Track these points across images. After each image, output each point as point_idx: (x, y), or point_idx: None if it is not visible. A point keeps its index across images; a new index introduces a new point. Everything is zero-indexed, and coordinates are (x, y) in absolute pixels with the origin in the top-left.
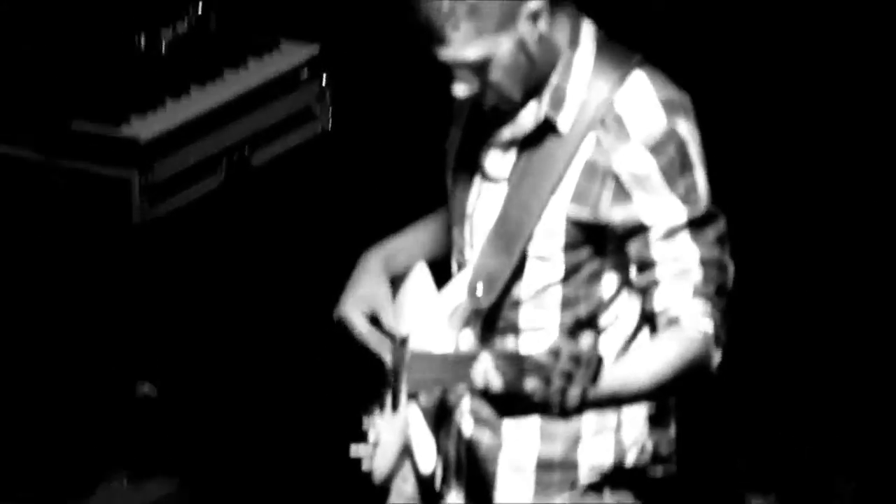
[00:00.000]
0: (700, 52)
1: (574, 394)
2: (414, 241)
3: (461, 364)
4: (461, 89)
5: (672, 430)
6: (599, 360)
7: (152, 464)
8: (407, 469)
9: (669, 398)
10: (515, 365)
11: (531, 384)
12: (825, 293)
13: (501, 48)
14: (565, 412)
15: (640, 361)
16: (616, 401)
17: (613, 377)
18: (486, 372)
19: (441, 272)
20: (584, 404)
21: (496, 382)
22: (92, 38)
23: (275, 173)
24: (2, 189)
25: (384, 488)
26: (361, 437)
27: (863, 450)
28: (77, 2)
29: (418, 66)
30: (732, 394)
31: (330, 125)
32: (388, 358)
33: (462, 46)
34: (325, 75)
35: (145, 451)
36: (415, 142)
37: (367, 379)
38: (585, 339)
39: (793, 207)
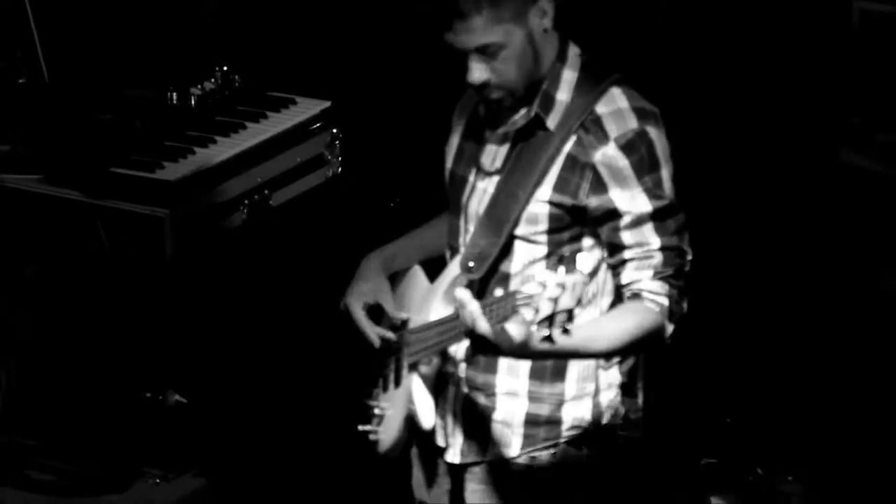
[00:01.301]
0: (700, 51)
1: (561, 316)
2: (409, 245)
3: (452, 324)
4: (476, 75)
5: (640, 400)
6: (584, 283)
7: (183, 463)
8: (416, 437)
9: (628, 360)
10: (507, 302)
11: (525, 315)
12: (786, 296)
13: (514, 37)
14: (550, 340)
15: (603, 325)
16: (578, 355)
17: (578, 336)
18: (473, 315)
19: (433, 271)
20: (569, 332)
21: (482, 324)
22: (130, 94)
23: (291, 212)
24: (51, 226)
25: (401, 491)
26: (367, 419)
27: (815, 451)
28: (118, 62)
29: (417, 122)
30: (698, 395)
31: (340, 170)
32: (379, 339)
33: (482, 31)
34: (335, 127)
35: (176, 452)
36: (414, 184)
37: (367, 372)
38: (569, 266)
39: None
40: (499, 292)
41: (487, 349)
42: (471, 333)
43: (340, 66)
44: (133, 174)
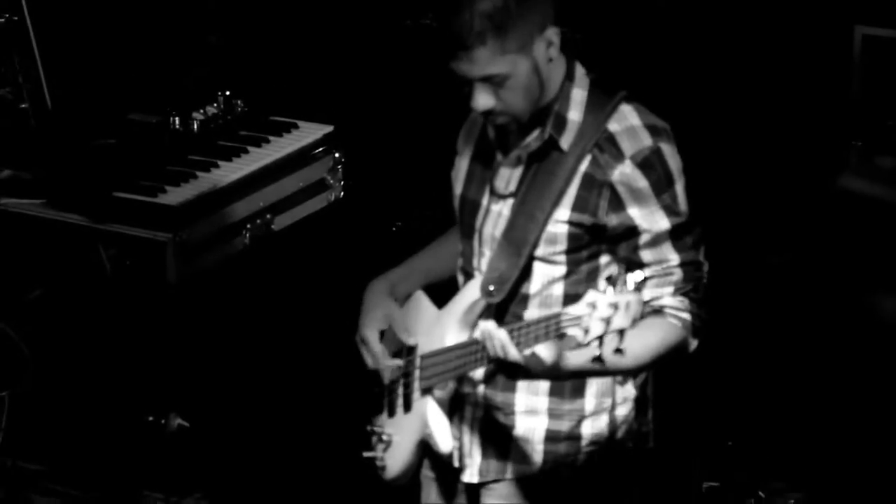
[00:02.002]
0: (701, 75)
1: (610, 338)
2: (411, 270)
3: (472, 348)
4: (481, 103)
5: (650, 415)
6: (640, 301)
7: (185, 487)
8: (428, 459)
9: (647, 379)
10: (539, 326)
11: (575, 336)
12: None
13: (519, 68)
14: (601, 361)
15: (629, 342)
16: (608, 373)
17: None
18: (502, 343)
19: (435, 294)
20: (623, 352)
21: (511, 351)
22: (133, 119)
23: (294, 237)
24: (55, 250)
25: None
26: (370, 445)
27: (816, 474)
28: (120, 87)
29: (419, 146)
30: (700, 418)
31: (342, 194)
32: (391, 369)
33: (486, 62)
34: (337, 151)
35: (179, 476)
36: (415, 208)
37: (369, 397)
38: (619, 285)
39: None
40: (527, 317)
41: (517, 373)
42: (500, 360)
43: (343, 91)
44: (135, 198)
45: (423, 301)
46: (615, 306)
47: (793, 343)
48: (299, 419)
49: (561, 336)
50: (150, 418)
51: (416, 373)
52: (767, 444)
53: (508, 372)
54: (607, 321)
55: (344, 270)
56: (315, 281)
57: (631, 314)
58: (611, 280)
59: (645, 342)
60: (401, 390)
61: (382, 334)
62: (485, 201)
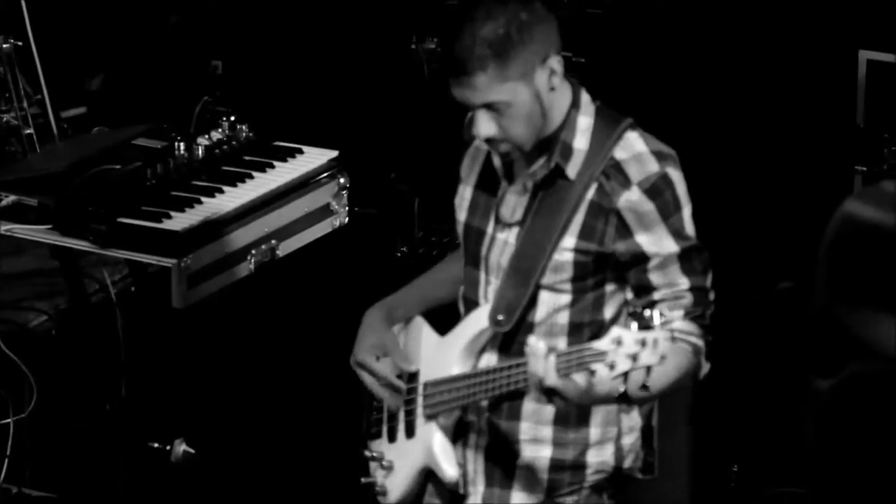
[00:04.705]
0: (706, 75)
1: (636, 375)
2: (410, 297)
3: (480, 380)
4: (483, 130)
5: (655, 442)
6: (667, 339)
7: None
8: (432, 486)
9: (653, 408)
10: (574, 358)
11: (599, 372)
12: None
13: (520, 96)
14: (626, 398)
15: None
16: (652, 397)
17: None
18: (547, 368)
19: (434, 319)
20: (648, 388)
21: (551, 377)
22: (137, 145)
23: (298, 262)
24: (60, 276)
25: None
26: (367, 471)
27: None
28: (125, 112)
29: (422, 171)
30: (705, 442)
31: (347, 220)
32: (392, 395)
33: (487, 88)
34: (342, 177)
35: (185, 501)
36: (421, 233)
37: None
38: (642, 322)
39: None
40: (561, 346)
41: (552, 396)
42: (539, 384)
43: (347, 116)
44: (140, 224)
45: (423, 328)
46: (643, 343)
47: (798, 368)
48: (305, 445)
49: (590, 371)
50: (156, 445)
51: (420, 400)
52: (772, 467)
53: (547, 397)
54: (634, 357)
55: (349, 296)
56: (320, 307)
57: (659, 351)
58: (635, 315)
59: (664, 370)
60: (402, 416)
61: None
62: (490, 229)
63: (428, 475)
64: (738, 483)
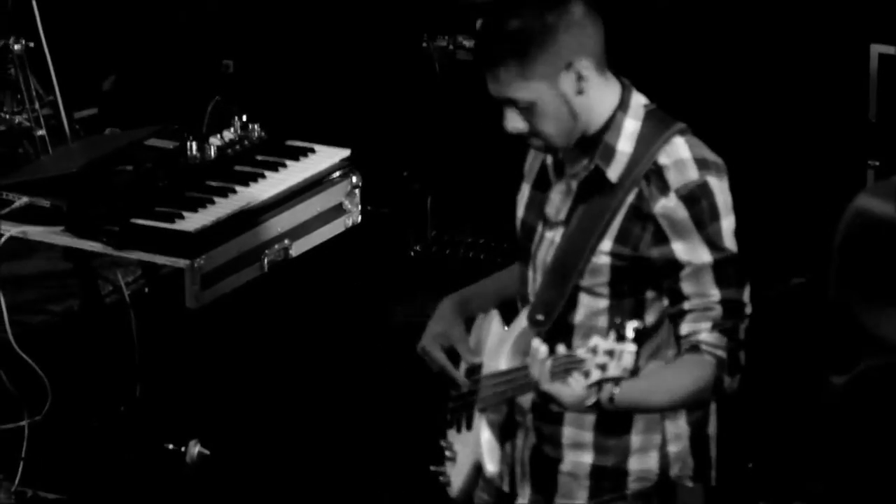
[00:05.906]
0: (717, 70)
1: (608, 386)
2: (485, 289)
3: (520, 374)
4: (510, 125)
5: (712, 451)
6: (633, 352)
7: None
8: (482, 481)
9: (706, 416)
10: (564, 363)
11: (574, 379)
12: None
13: (544, 97)
14: (598, 406)
15: (660, 379)
16: (639, 409)
17: (637, 389)
18: (542, 372)
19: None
20: (613, 401)
21: (544, 381)
22: (150, 145)
23: (311, 262)
24: (73, 277)
25: None
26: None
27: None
28: (137, 113)
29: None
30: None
31: (360, 219)
32: (462, 383)
33: (507, 84)
34: (355, 175)
35: (200, 502)
36: (431, 230)
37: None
38: (619, 333)
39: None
40: (561, 350)
41: (551, 403)
42: (536, 388)
43: (359, 114)
44: (153, 225)
45: (494, 321)
46: (610, 354)
47: (813, 365)
48: (321, 445)
49: (567, 378)
50: (171, 446)
51: (477, 393)
52: (789, 467)
53: (546, 402)
54: (603, 367)
55: (362, 295)
56: (334, 306)
57: (622, 365)
58: (615, 326)
59: (678, 380)
60: (466, 406)
61: (447, 351)
62: (539, 227)
63: (479, 469)
64: (753, 481)
